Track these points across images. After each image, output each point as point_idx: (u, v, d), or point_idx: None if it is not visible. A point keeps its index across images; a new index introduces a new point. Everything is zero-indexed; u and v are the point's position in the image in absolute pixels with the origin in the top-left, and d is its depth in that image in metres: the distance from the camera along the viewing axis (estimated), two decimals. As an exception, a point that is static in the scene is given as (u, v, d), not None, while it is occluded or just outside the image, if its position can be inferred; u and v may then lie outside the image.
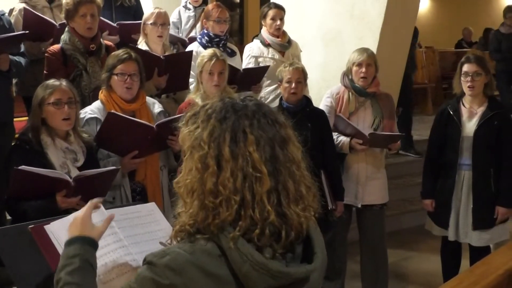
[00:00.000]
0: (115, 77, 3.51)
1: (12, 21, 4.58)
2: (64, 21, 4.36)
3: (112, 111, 3.40)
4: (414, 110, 10.31)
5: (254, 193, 1.40)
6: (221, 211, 1.40)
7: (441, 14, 17.60)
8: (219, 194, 1.41)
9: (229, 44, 5.02)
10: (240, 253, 1.36)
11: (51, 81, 3.17)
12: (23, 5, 4.67)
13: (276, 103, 4.34)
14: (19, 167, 2.81)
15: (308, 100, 4.24)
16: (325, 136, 4.15)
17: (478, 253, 4.04)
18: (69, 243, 1.72)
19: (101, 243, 1.98)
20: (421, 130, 8.23)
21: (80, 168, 3.13)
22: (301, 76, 4.09)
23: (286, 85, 4.08)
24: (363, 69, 4.19)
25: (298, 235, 1.44)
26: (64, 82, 3.18)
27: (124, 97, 3.54)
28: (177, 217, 1.51)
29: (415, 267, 5.39)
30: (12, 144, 3.17)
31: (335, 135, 4.26)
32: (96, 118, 3.48)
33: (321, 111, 4.24)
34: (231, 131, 1.43)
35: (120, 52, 3.61)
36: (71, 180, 2.96)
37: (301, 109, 4.11)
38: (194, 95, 3.88)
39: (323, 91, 5.81)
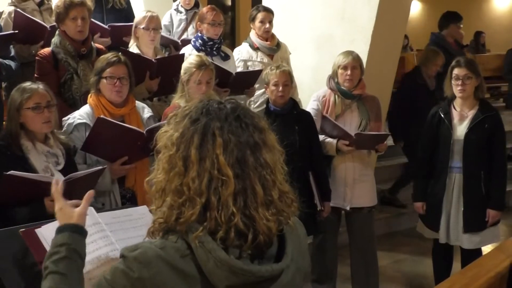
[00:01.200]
0: (104, 80, 3.47)
1: (2, 24, 4.56)
2: (55, 23, 4.34)
3: (102, 116, 3.35)
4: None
5: (219, 196, 1.42)
6: (184, 210, 1.43)
7: (432, 17, 17.62)
8: (183, 194, 1.44)
9: (223, 48, 5.01)
10: (205, 250, 1.39)
11: (28, 85, 3.11)
12: (13, 8, 4.64)
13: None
14: (10, 173, 2.76)
15: (295, 103, 4.24)
16: (312, 138, 4.17)
17: (470, 255, 4.05)
18: (59, 230, 1.75)
19: (92, 246, 1.98)
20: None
21: (61, 171, 3.10)
22: (288, 79, 4.09)
23: (273, 88, 4.08)
24: (348, 72, 4.20)
25: (267, 239, 1.45)
26: (40, 85, 3.13)
27: (113, 100, 3.50)
28: (152, 214, 1.55)
29: (407, 270, 5.40)
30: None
31: (321, 137, 4.27)
32: (85, 123, 3.44)
33: (308, 113, 4.25)
34: (201, 133, 1.46)
35: (109, 55, 3.57)
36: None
37: (288, 111, 4.12)
38: (179, 100, 3.83)
39: (315, 94, 5.84)
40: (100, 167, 3.17)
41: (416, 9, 17.35)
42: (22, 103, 3.03)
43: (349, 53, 4.28)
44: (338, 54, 4.35)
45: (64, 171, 3.09)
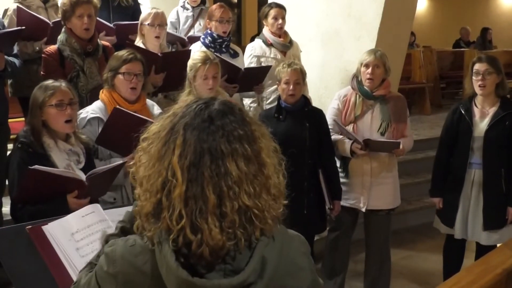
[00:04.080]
0: (120, 76, 3.50)
1: (7, 21, 4.57)
2: (58, 19, 4.34)
3: (118, 107, 3.37)
4: (412, 110, 10.36)
5: (171, 197, 1.38)
6: (142, 204, 1.44)
7: (439, 13, 17.65)
8: (142, 186, 1.44)
9: (232, 45, 5.01)
10: (161, 253, 1.37)
11: (50, 82, 3.11)
12: (17, 4, 4.65)
13: (277, 103, 4.32)
14: (34, 167, 2.76)
15: (306, 100, 4.21)
16: (323, 136, 4.14)
17: (485, 252, 4.02)
18: None
19: (99, 243, 1.99)
20: (420, 130, 8.24)
21: (82, 170, 3.11)
22: (299, 77, 4.06)
23: (284, 86, 4.05)
24: (369, 70, 4.13)
25: (212, 252, 1.37)
26: (63, 83, 3.13)
27: (128, 97, 3.53)
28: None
29: (414, 266, 5.40)
30: (13, 147, 3.12)
31: (340, 137, 4.24)
32: (98, 117, 3.46)
33: (319, 111, 4.23)
34: (168, 130, 1.43)
35: (124, 52, 3.59)
36: (84, 180, 2.94)
37: (299, 108, 4.10)
38: (187, 97, 3.84)
39: (321, 91, 5.84)
40: (119, 162, 3.18)
41: (422, 5, 17.33)
42: (44, 101, 3.03)
43: (373, 51, 4.23)
44: (363, 52, 4.29)
45: (84, 170, 3.10)
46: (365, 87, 4.19)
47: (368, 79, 4.15)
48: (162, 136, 1.43)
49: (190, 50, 4.59)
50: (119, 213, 2.14)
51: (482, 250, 4.19)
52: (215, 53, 4.35)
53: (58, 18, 4.73)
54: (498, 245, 4.26)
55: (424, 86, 10.32)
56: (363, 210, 4.29)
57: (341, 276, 4.49)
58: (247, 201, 1.40)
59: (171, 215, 1.37)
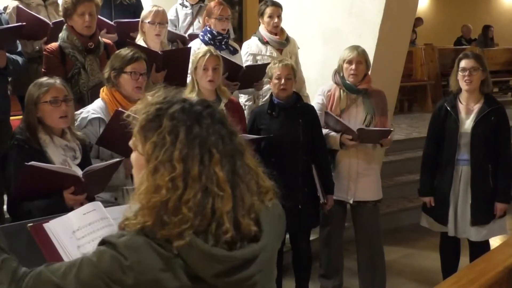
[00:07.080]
0: (126, 75, 3.47)
1: (7, 18, 4.55)
2: (59, 19, 4.33)
3: (120, 109, 3.33)
4: (413, 107, 10.36)
5: (214, 209, 1.39)
6: (171, 227, 1.39)
7: (440, 11, 17.61)
8: (179, 213, 1.39)
9: (231, 42, 5.01)
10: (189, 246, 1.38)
11: (44, 79, 3.14)
12: (17, 3, 4.64)
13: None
14: (30, 163, 2.76)
15: (298, 96, 4.26)
16: (316, 131, 4.19)
17: (478, 248, 4.08)
18: None
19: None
20: (421, 128, 8.24)
21: (78, 165, 3.11)
22: (290, 72, 4.11)
23: (276, 81, 4.10)
24: (353, 66, 4.22)
25: (247, 238, 1.46)
26: (58, 80, 3.15)
27: (133, 96, 3.48)
28: (124, 221, 1.49)
29: (414, 265, 5.40)
30: (9, 144, 3.11)
31: (325, 131, 4.29)
32: (99, 118, 3.44)
33: (312, 107, 4.28)
34: (200, 149, 1.42)
35: (127, 51, 3.55)
36: (81, 176, 2.94)
37: (291, 105, 4.14)
38: (189, 94, 3.85)
39: (322, 89, 5.83)
40: (117, 159, 3.17)
41: (424, 3, 17.29)
42: (39, 97, 3.04)
43: (355, 47, 4.30)
44: (344, 49, 4.35)
45: (81, 166, 3.11)
46: (347, 82, 4.25)
47: (352, 74, 4.22)
48: (196, 156, 1.41)
49: (190, 47, 4.59)
50: (120, 211, 2.13)
51: (474, 247, 4.26)
52: (214, 50, 4.36)
53: (58, 15, 4.72)
54: (490, 241, 4.31)
55: (425, 83, 10.32)
56: (351, 201, 4.34)
57: (339, 273, 4.52)
58: (263, 183, 1.53)
59: (214, 226, 1.39)
